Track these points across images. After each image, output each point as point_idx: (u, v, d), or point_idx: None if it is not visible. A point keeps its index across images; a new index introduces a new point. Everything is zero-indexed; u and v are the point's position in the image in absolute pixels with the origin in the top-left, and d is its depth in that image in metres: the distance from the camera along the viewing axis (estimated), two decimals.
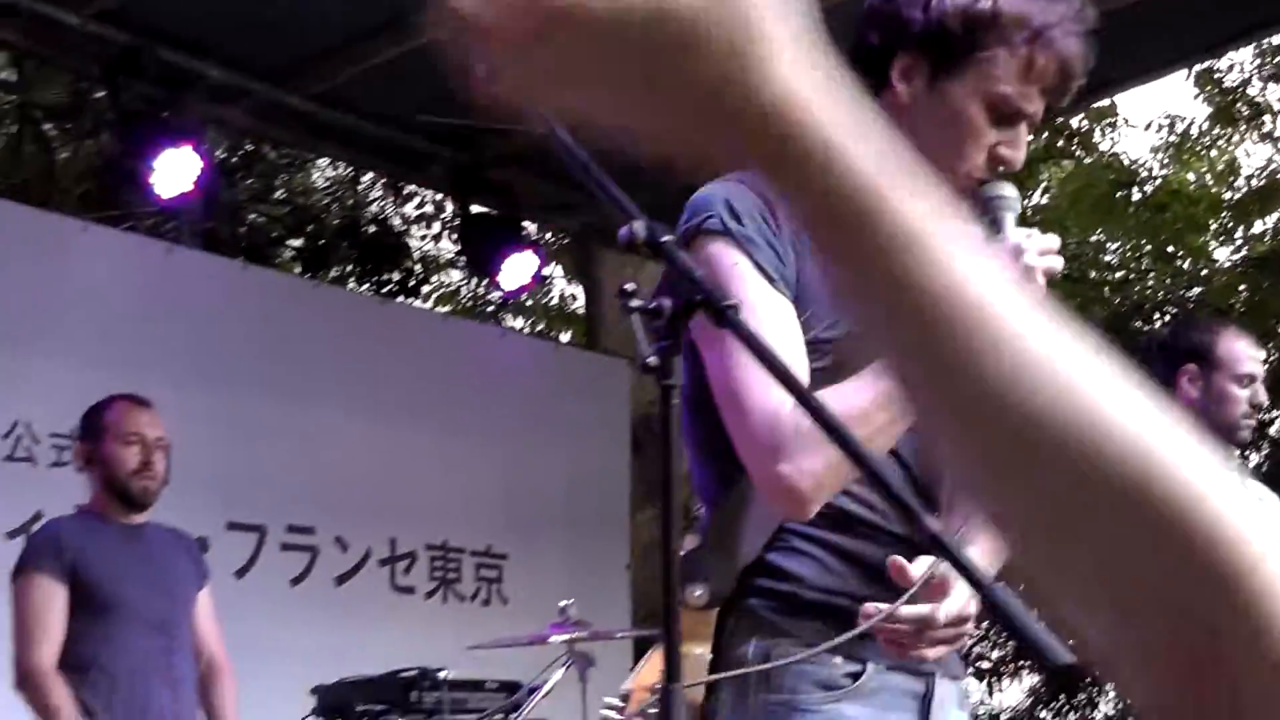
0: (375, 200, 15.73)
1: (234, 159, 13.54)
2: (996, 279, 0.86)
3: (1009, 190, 2.63)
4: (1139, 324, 14.26)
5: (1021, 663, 15.60)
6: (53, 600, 5.41)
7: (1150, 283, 14.77)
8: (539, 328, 16.21)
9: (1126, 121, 14.86)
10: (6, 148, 12.65)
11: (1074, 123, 14.67)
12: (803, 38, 0.85)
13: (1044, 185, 15.55)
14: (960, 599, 2.53)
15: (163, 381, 5.98)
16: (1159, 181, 15.10)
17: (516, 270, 8.67)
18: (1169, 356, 5.22)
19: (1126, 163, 15.01)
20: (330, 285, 11.62)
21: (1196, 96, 14.97)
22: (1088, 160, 15.20)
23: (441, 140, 8.32)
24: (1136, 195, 14.90)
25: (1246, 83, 14.85)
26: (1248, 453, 12.35)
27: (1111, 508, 0.80)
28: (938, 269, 0.84)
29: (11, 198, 8.73)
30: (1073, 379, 0.84)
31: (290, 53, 7.59)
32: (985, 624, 7.58)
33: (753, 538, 2.64)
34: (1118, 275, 15.00)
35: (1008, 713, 16.33)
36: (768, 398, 2.48)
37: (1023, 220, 2.65)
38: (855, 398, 2.44)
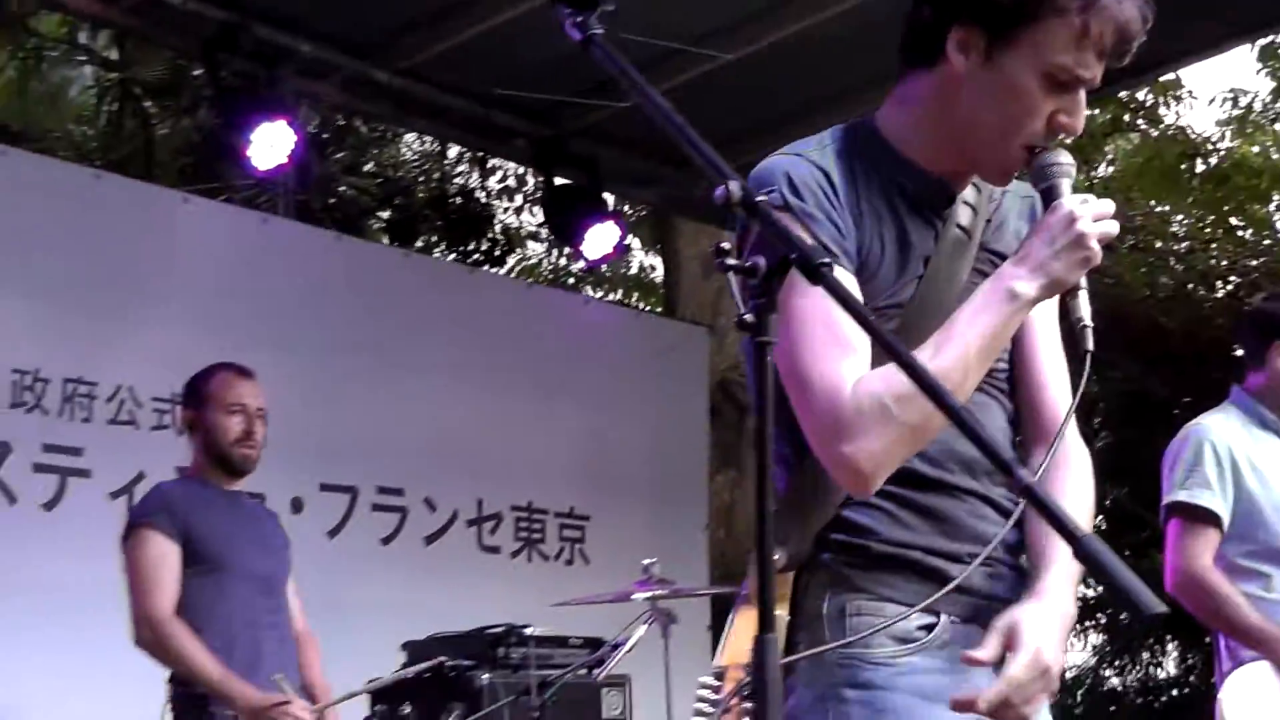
0: (461, 173, 15.75)
1: (326, 133, 13.56)
2: None
3: (1065, 157, 2.58)
4: (1203, 292, 14.15)
5: (1087, 622, 15.50)
6: (167, 556, 5.41)
7: (1214, 252, 14.62)
8: (616, 297, 16.19)
9: (1191, 95, 14.69)
10: (109, 124, 12.72)
11: (1140, 97, 14.55)
12: None
13: (1110, 158, 15.45)
14: (1023, 659, 2.49)
15: (258, 347, 5.99)
16: (1222, 154, 14.95)
17: (599, 240, 8.62)
18: (1259, 330, 5.17)
19: (1191, 136, 14.86)
20: (418, 254, 11.60)
21: (1260, 71, 14.81)
22: (1153, 134, 15.07)
23: (524, 114, 8.29)
24: (1200, 167, 14.77)
25: None
26: None
27: None
28: None
29: (114, 171, 8.75)
30: None
31: (379, 29, 7.58)
32: None
33: (827, 501, 2.61)
34: (1183, 245, 14.87)
35: (1073, 671, 16.23)
36: (829, 377, 2.48)
37: (1092, 191, 2.61)
38: (936, 360, 2.45)
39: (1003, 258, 2.64)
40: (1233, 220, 14.71)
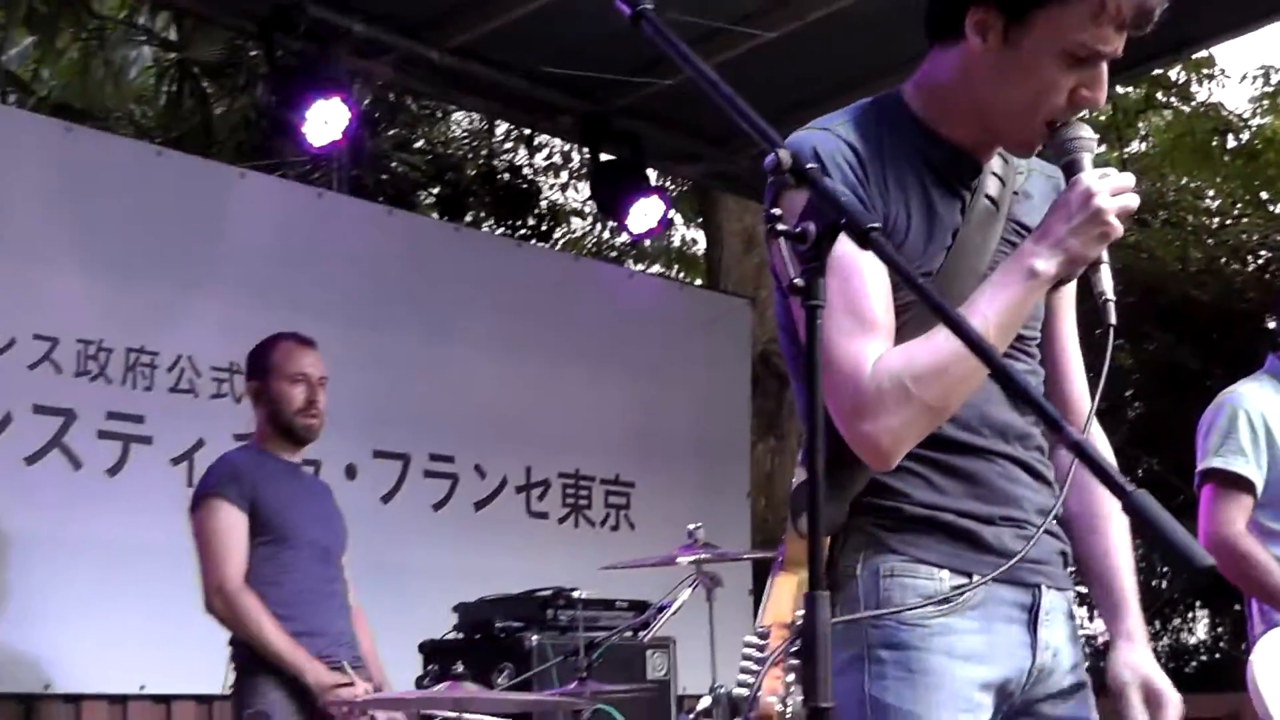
0: (508, 150, 15.76)
1: (378, 110, 13.57)
2: None
3: (1085, 131, 2.56)
4: (1234, 266, 14.07)
5: None
6: (235, 526, 5.43)
7: (1244, 227, 14.53)
8: (657, 270, 16.18)
9: (1223, 73, 14.59)
10: (168, 103, 12.74)
11: (1173, 74, 14.47)
12: None
13: (1144, 134, 15.37)
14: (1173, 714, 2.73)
15: (313, 318, 6.00)
16: (1254, 130, 14.85)
17: (644, 215, 8.62)
18: None
19: (1223, 113, 14.77)
20: (468, 229, 11.60)
21: None
22: (1185, 110, 14.98)
23: (571, 92, 8.27)
24: (1232, 144, 14.68)
25: None
26: None
27: None
28: None
29: (173, 148, 8.78)
30: None
31: (430, 9, 7.57)
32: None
33: (862, 468, 2.58)
34: (1214, 220, 14.78)
35: (1104, 636, 16.17)
36: (851, 357, 2.47)
37: (1125, 167, 2.60)
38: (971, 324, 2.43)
39: (1029, 230, 2.61)
40: (1263, 195, 14.62)
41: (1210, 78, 14.73)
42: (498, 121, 14.56)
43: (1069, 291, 2.84)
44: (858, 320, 2.49)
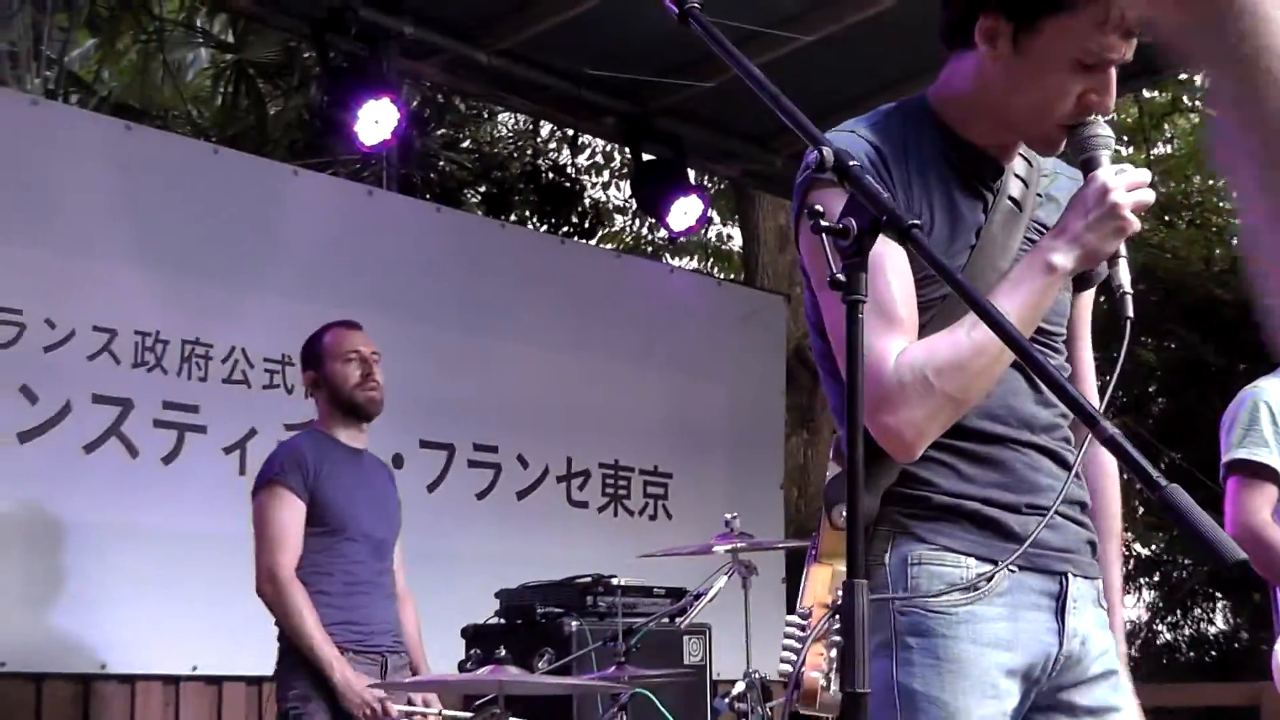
0: (552, 150, 15.76)
1: (426, 110, 13.58)
2: None
3: (1103, 130, 2.56)
4: None
5: (1141, 579, 15.38)
6: (296, 514, 5.45)
7: None
8: (693, 265, 16.16)
9: None
10: (224, 102, 12.77)
11: (1198, 79, 14.37)
12: None
13: (1170, 136, 15.29)
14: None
15: (362, 312, 5.97)
16: None
17: (684, 213, 8.60)
18: None
19: None
20: (513, 226, 11.59)
21: None
22: (1210, 114, 14.87)
23: (614, 93, 8.25)
24: None
25: None
26: None
27: None
28: None
29: (229, 147, 8.78)
30: None
31: (478, 12, 7.56)
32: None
33: (890, 460, 2.57)
34: (1237, 220, 14.67)
35: (1127, 626, 16.07)
36: (874, 351, 2.45)
37: (1150, 168, 2.58)
38: (977, 330, 2.44)
39: None
40: None
41: None
42: (542, 122, 14.56)
43: (1089, 296, 2.85)
44: (881, 316, 2.48)
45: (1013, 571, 2.58)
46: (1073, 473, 2.62)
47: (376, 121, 7.14)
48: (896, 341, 2.49)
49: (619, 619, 5.75)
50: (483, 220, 11.22)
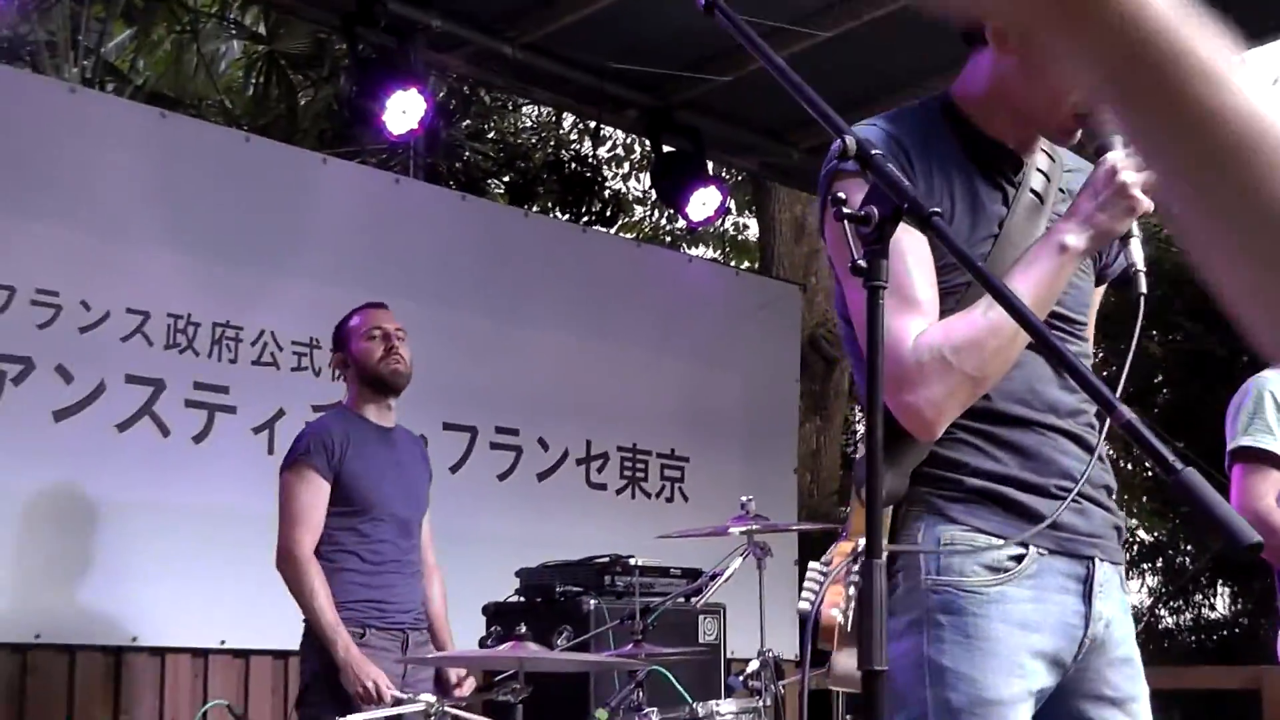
0: (574, 141, 15.74)
1: (452, 101, 13.57)
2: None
3: None
4: None
5: (1144, 565, 15.35)
6: (319, 494, 5.44)
7: None
8: (710, 254, 16.15)
9: None
10: (256, 92, 12.77)
11: None
12: None
13: None
14: None
15: (388, 297, 5.97)
16: None
17: (703, 204, 8.58)
18: None
19: None
20: (536, 215, 11.58)
21: None
22: None
23: (635, 86, 8.23)
24: None
25: None
26: None
27: None
28: (1233, 95, 0.91)
29: (260, 135, 8.78)
30: None
31: (504, 5, 7.54)
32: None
33: (916, 440, 2.59)
34: None
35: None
36: (894, 333, 2.47)
37: None
38: (993, 310, 2.46)
39: None
40: None
41: None
42: (564, 114, 14.54)
43: (1099, 292, 2.86)
44: (901, 298, 2.50)
45: (1042, 554, 2.60)
46: (1095, 455, 2.64)
47: (404, 112, 7.13)
48: (916, 323, 2.52)
49: (636, 598, 5.75)
50: (506, 209, 11.22)
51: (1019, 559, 2.58)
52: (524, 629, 4.79)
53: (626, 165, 15.88)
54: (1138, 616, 15.48)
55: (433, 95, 7.97)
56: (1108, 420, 2.54)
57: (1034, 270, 2.52)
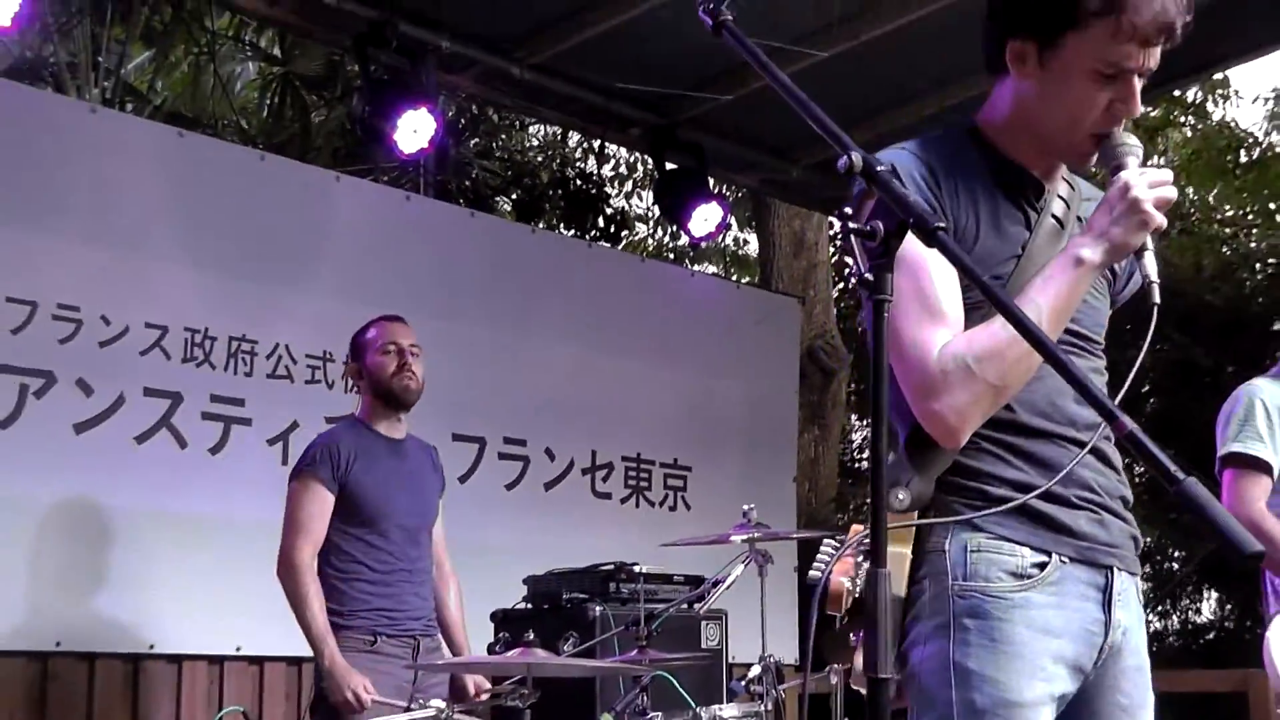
0: (579, 159, 15.74)
1: (461, 121, 13.56)
2: None
3: (1129, 138, 2.61)
4: (1244, 273, 13.92)
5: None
6: (322, 505, 5.41)
7: (1254, 236, 14.40)
8: (711, 269, 16.15)
9: (1237, 94, 14.47)
10: (271, 112, 12.77)
11: (1190, 95, 14.36)
12: None
13: (1163, 150, 15.25)
14: None
15: (400, 311, 5.93)
16: (1264, 147, 14.71)
17: (705, 220, 8.56)
18: None
19: (1235, 130, 14.66)
20: (543, 231, 11.56)
21: None
22: (1200, 128, 14.88)
23: (640, 105, 8.21)
24: (1244, 159, 14.55)
25: None
26: None
27: None
28: None
29: (275, 153, 8.76)
30: None
31: (512, 27, 7.53)
32: None
33: (941, 448, 2.61)
34: (1227, 230, 14.64)
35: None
36: (920, 343, 2.52)
37: None
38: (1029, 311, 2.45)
39: None
40: (1271, 206, 14.49)
41: (1225, 98, 14.65)
42: (570, 133, 14.54)
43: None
44: (926, 310, 2.54)
45: (1064, 562, 2.62)
46: (1081, 454, 2.61)
47: (415, 131, 7.11)
48: (941, 334, 2.54)
49: (640, 605, 5.72)
50: (513, 225, 11.20)
51: (1042, 566, 2.60)
52: (531, 635, 4.77)
53: (630, 183, 15.90)
54: None
55: (442, 115, 7.95)
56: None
57: (1052, 284, 2.53)
